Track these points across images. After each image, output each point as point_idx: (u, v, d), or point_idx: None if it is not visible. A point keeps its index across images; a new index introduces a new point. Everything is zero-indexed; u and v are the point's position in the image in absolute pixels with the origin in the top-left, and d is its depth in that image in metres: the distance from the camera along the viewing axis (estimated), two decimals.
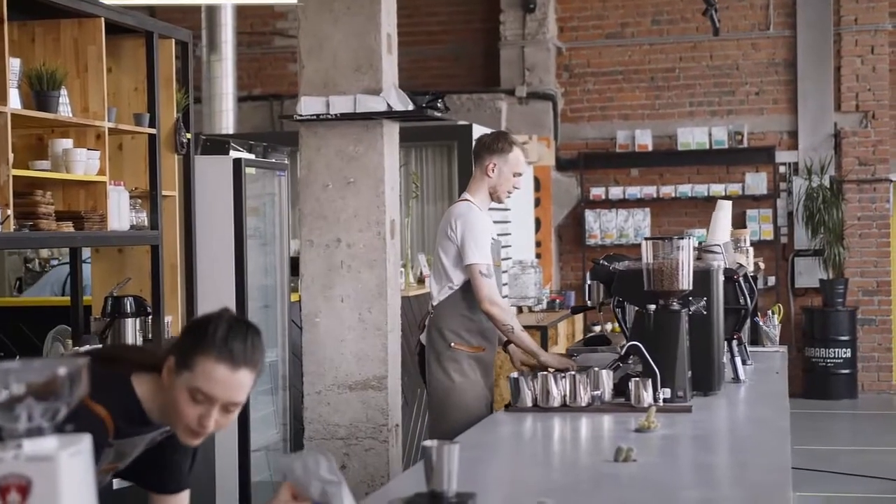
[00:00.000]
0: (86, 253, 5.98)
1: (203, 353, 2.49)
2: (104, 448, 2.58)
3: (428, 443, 2.70)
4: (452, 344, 5.09)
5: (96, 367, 2.60)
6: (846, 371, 12.13)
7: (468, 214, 5.08)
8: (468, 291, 5.06)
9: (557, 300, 10.70)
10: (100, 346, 5.03)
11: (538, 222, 12.28)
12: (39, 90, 4.72)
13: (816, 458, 9.02)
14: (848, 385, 12.15)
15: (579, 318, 11.04)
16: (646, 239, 4.41)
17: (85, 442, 1.76)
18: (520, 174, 5.22)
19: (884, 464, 8.97)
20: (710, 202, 12.35)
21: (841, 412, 11.67)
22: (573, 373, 4.24)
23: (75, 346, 5.25)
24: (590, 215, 12.77)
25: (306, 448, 2.54)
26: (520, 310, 10.10)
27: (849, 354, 12.11)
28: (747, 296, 4.94)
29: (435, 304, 5.18)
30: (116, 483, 4.49)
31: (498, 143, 5.20)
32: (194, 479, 2.92)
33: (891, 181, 12.44)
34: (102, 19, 5.08)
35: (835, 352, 12.09)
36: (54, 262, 8.87)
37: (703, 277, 4.48)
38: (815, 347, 12.16)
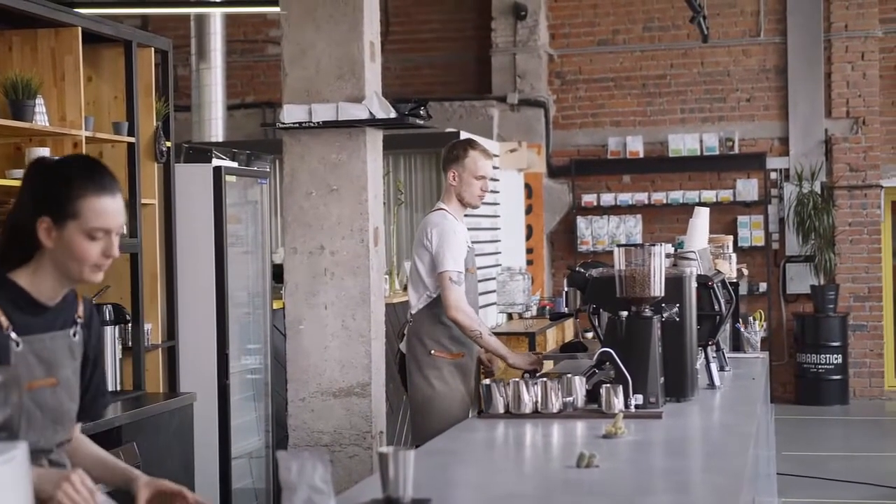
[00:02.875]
0: None
1: (80, 198, 2.60)
2: (8, 342, 2.58)
3: (383, 449, 2.72)
4: (433, 351, 5.17)
5: None
6: (837, 377, 12.13)
7: (443, 223, 5.18)
8: None
9: (548, 307, 10.70)
10: None
11: (530, 229, 12.31)
12: (15, 99, 4.74)
13: (807, 464, 9.03)
14: (839, 391, 12.16)
15: (569, 324, 11.04)
16: (618, 246, 4.42)
17: (20, 449, 1.78)
18: (482, 177, 5.29)
19: (875, 470, 8.97)
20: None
21: (832, 418, 11.67)
22: (545, 379, 4.25)
23: None
24: (581, 222, 12.78)
25: (311, 450, 2.58)
26: (509, 316, 10.12)
27: (840, 360, 12.12)
28: (722, 302, 4.95)
29: (413, 312, 5.26)
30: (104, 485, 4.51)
31: (453, 151, 5.33)
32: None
33: (881, 187, 12.45)
34: (79, 29, 5.10)
35: (826, 357, 12.09)
36: None
37: (675, 284, 4.48)
38: (806, 353, 12.16)
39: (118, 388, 5.35)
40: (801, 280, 12.43)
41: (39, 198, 2.64)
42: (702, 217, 5.45)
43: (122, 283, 5.58)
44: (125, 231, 5.46)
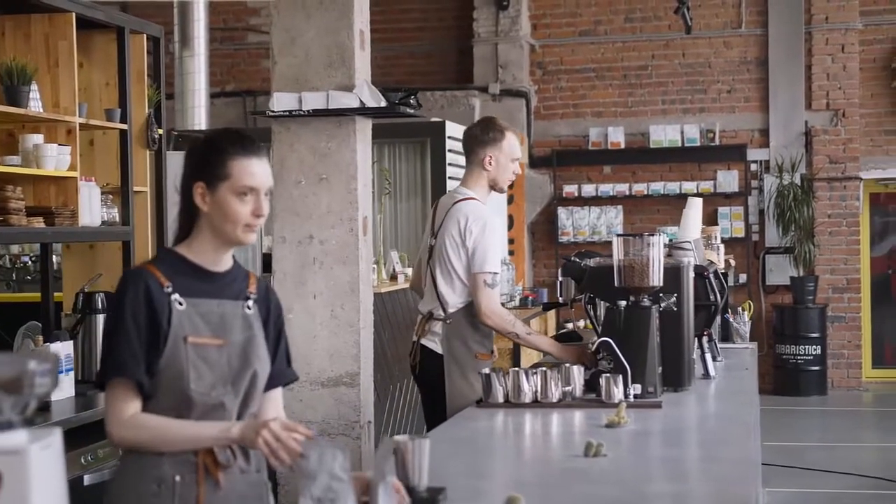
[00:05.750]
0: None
1: (230, 160, 2.81)
2: (168, 300, 2.76)
3: (399, 438, 2.72)
4: (478, 354, 4.90)
5: None
6: (816, 368, 12.22)
7: (484, 217, 4.86)
8: None
9: (530, 297, 10.72)
10: None
11: (511, 219, 12.31)
12: (9, 85, 4.70)
13: (786, 454, 9.09)
14: (818, 381, 12.24)
15: (552, 314, 11.08)
16: (617, 235, 4.42)
17: (54, 436, 1.77)
18: (517, 159, 5.00)
19: (853, 459, 9.05)
20: (682, 200, 12.33)
21: (811, 408, 11.75)
22: (544, 369, 4.25)
23: (45, 342, 5.21)
24: (562, 212, 12.81)
25: (327, 439, 2.67)
26: None
27: (819, 351, 12.20)
28: (717, 292, 4.97)
29: (451, 310, 4.91)
30: (88, 479, 4.49)
31: (489, 132, 4.95)
32: None
33: (860, 179, 12.53)
34: (73, 14, 5.06)
35: (805, 348, 12.18)
36: (25, 259, 8.83)
37: (673, 274, 4.50)
38: (785, 344, 12.24)
39: None
40: (780, 271, 12.50)
41: (194, 167, 2.85)
42: (695, 208, 5.47)
43: (115, 272, 5.53)
44: (118, 219, 5.44)
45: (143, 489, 2.75)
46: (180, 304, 2.78)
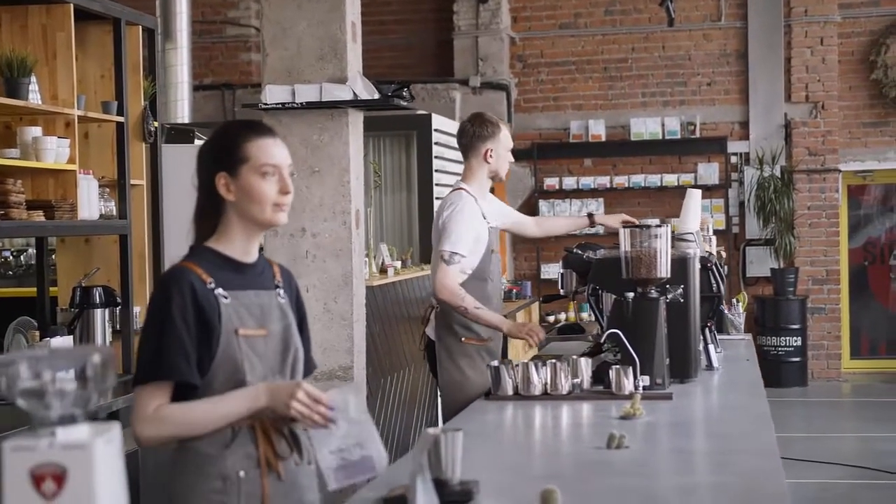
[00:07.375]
0: None
1: (245, 142, 2.80)
2: (214, 296, 2.73)
3: (432, 430, 2.70)
4: (463, 339, 5.03)
5: None
6: (797, 359, 12.28)
7: (458, 204, 5.03)
8: (472, 283, 4.99)
9: (514, 290, 10.72)
10: None
11: None
12: (10, 77, 4.64)
13: None
14: (798, 373, 12.30)
15: (535, 307, 11.08)
16: (624, 227, 4.42)
17: (115, 430, 1.74)
18: (510, 149, 5.27)
19: (835, 450, 9.10)
20: (662, 192, 12.48)
21: (792, 400, 11.80)
22: (554, 361, 4.23)
23: (42, 338, 5.16)
24: (544, 205, 12.80)
25: (334, 388, 2.66)
26: None
27: (799, 343, 12.25)
28: (720, 283, 4.98)
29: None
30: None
31: (486, 128, 5.16)
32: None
33: (840, 171, 12.59)
34: (71, 6, 5.00)
35: (785, 340, 12.23)
36: (6, 253, 8.75)
37: (679, 265, 4.49)
38: (766, 336, 12.28)
39: None
40: (760, 263, 12.55)
41: (212, 160, 2.83)
42: (694, 199, 5.46)
43: (109, 265, 5.49)
44: (115, 212, 5.39)
45: (208, 486, 2.71)
46: (225, 297, 2.76)
